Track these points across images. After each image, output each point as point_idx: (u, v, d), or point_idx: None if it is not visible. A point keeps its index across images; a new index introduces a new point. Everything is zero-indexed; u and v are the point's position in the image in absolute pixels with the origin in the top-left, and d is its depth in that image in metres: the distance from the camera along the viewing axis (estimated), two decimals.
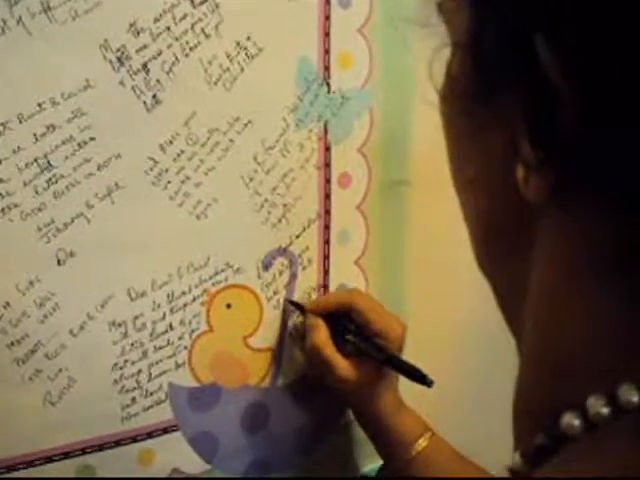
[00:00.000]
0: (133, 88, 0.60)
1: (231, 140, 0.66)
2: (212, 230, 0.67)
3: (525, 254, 0.31)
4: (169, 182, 0.64)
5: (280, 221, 0.71)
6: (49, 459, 0.62)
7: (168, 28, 0.61)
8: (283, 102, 0.69)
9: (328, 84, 0.72)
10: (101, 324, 0.63)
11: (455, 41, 0.31)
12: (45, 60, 0.56)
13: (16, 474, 0.61)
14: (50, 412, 0.61)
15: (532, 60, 0.26)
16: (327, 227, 0.75)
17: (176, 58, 0.62)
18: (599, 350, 0.29)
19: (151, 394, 0.67)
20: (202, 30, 0.63)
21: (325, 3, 0.70)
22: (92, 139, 0.59)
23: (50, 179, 0.58)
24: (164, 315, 0.66)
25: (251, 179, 0.69)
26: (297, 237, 0.73)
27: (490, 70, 0.29)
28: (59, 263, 0.60)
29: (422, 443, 0.71)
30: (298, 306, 0.74)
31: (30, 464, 0.61)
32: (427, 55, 0.32)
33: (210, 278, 0.68)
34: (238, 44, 0.65)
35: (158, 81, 0.61)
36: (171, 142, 0.63)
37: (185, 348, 0.68)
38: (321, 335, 0.71)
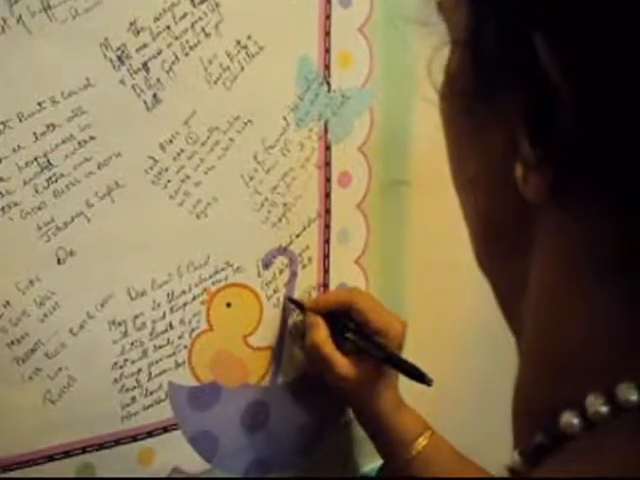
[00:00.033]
0: (133, 87, 0.60)
1: (231, 139, 0.66)
2: (212, 229, 0.67)
3: (525, 253, 0.31)
4: (169, 181, 0.64)
5: (280, 220, 0.71)
6: (49, 458, 0.62)
7: (168, 27, 0.61)
8: (283, 101, 0.69)
9: (328, 83, 0.72)
10: (101, 323, 0.63)
11: (454, 40, 0.31)
12: (45, 59, 0.56)
13: (16, 473, 0.61)
14: (50, 411, 0.61)
15: (531, 59, 0.26)
16: (327, 226, 0.75)
17: (176, 57, 0.62)
18: (598, 349, 0.29)
19: (151, 393, 0.67)
20: (202, 29, 0.63)
21: (326, 2, 0.70)
22: (92, 138, 0.59)
23: (50, 178, 0.58)
24: (164, 314, 0.66)
25: (251, 178, 0.69)
26: (297, 236, 0.73)
27: (489, 69, 0.29)
28: (59, 262, 0.60)
29: (422, 442, 0.71)
30: (298, 304, 0.74)
31: (30, 463, 0.61)
32: (427, 54, 0.32)
33: (210, 277, 0.68)
34: (238, 43, 0.65)
35: (158, 80, 0.61)
36: (171, 141, 0.63)
37: (185, 347, 0.68)
38: (321, 333, 0.71)
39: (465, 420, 0.86)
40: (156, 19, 0.60)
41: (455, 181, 0.35)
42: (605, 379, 0.28)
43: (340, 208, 0.76)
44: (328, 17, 0.70)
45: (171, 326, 0.67)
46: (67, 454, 0.63)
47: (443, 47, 0.32)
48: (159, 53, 0.61)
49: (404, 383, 0.72)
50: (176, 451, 0.69)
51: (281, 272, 0.73)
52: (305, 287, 0.75)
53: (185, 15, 0.61)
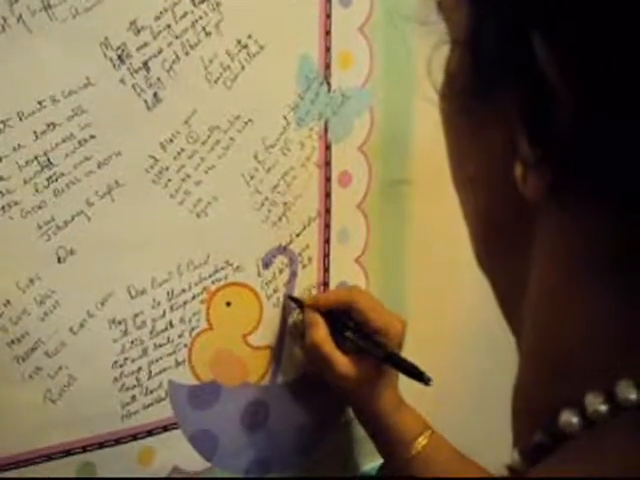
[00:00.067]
0: (133, 86, 0.60)
1: (232, 138, 0.66)
2: (212, 228, 0.67)
3: (524, 252, 0.31)
4: (169, 180, 0.64)
5: (280, 219, 0.71)
6: (49, 457, 0.62)
7: (169, 26, 0.61)
8: (284, 100, 0.69)
9: (329, 83, 0.72)
10: (101, 322, 0.63)
11: (454, 39, 0.31)
12: (45, 58, 0.56)
13: (16, 472, 0.61)
14: (50, 410, 0.61)
15: (530, 58, 0.26)
16: (327, 226, 0.75)
17: (177, 56, 0.62)
18: (597, 348, 0.29)
19: (151, 392, 0.67)
20: (203, 28, 0.63)
21: (326, 1, 0.70)
22: (92, 137, 0.59)
23: (50, 177, 0.58)
24: (164, 313, 0.66)
25: (251, 177, 0.69)
26: (297, 235, 0.73)
27: (488, 68, 0.29)
28: (59, 261, 0.60)
29: (422, 441, 0.71)
30: (298, 302, 0.74)
31: (30, 462, 0.61)
32: (427, 53, 0.32)
33: (210, 276, 0.68)
34: (239, 42, 0.65)
35: (159, 79, 0.61)
36: (171, 140, 0.63)
37: (185, 346, 0.68)
38: (320, 332, 0.71)
39: (465, 419, 0.86)
40: (157, 18, 0.60)
41: (455, 180, 0.35)
42: (604, 378, 0.28)
43: (340, 207, 0.76)
44: (328, 16, 0.70)
45: (171, 325, 0.67)
46: (67, 453, 0.63)
47: (442, 46, 0.32)
48: (159, 52, 0.61)
49: (404, 382, 0.72)
50: (176, 450, 0.69)
51: (281, 271, 0.73)
52: (305, 286, 0.75)
53: (186, 14, 0.62)
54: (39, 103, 0.56)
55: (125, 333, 0.64)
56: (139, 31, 0.60)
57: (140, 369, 0.66)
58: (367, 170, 0.77)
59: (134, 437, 0.67)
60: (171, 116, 0.63)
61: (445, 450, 0.72)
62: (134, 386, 0.66)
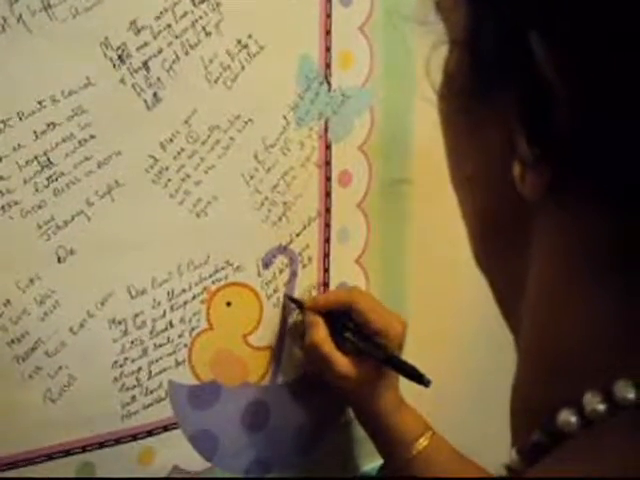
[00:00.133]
0: (133, 86, 0.60)
1: (232, 138, 0.66)
2: (212, 228, 0.67)
3: (523, 252, 0.31)
4: (169, 180, 0.64)
5: (280, 219, 0.71)
6: (49, 457, 0.62)
7: (169, 26, 0.61)
8: (284, 100, 0.69)
9: (329, 82, 0.72)
10: (101, 322, 0.63)
11: (452, 39, 0.31)
12: (45, 58, 0.56)
13: (16, 472, 0.61)
14: (50, 410, 0.61)
15: (528, 57, 0.26)
16: (327, 225, 0.75)
17: (177, 56, 0.62)
18: (596, 347, 0.29)
19: (151, 392, 0.67)
20: (203, 28, 0.63)
21: (326, 1, 0.70)
22: (92, 137, 0.59)
23: (50, 177, 0.58)
24: (164, 313, 0.66)
25: (251, 177, 0.69)
26: (297, 235, 0.73)
27: (487, 68, 0.29)
28: (59, 261, 0.60)
29: (423, 442, 0.71)
30: (297, 303, 0.74)
31: (30, 462, 0.61)
32: (427, 53, 0.32)
33: (210, 276, 0.68)
34: (239, 42, 0.65)
35: (159, 79, 0.61)
36: (171, 140, 0.63)
37: (185, 346, 0.68)
38: (320, 333, 0.71)
39: (464, 419, 0.86)
40: (157, 18, 0.60)
41: (453, 180, 0.35)
42: (602, 377, 0.28)
43: (340, 207, 0.76)
44: (329, 16, 0.70)
45: (171, 325, 0.67)
46: (67, 453, 0.63)
47: (441, 46, 0.32)
48: (159, 52, 0.61)
49: (403, 382, 0.72)
50: (176, 450, 0.69)
51: (281, 271, 0.73)
52: (305, 286, 0.75)
53: (186, 14, 0.62)
54: (39, 103, 0.56)
55: (125, 333, 0.64)
56: (139, 31, 0.60)
57: (140, 369, 0.66)
58: (367, 170, 0.77)
59: (134, 437, 0.67)
60: (171, 116, 0.63)
61: (445, 451, 0.72)
62: (134, 386, 0.66)
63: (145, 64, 0.60)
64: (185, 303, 0.67)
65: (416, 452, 0.71)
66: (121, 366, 0.64)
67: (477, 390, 0.89)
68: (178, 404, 0.69)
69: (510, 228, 0.32)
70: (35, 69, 0.56)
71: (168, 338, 0.67)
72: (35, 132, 0.57)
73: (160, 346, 0.66)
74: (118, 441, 0.66)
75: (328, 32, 0.71)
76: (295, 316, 0.75)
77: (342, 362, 0.70)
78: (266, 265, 0.72)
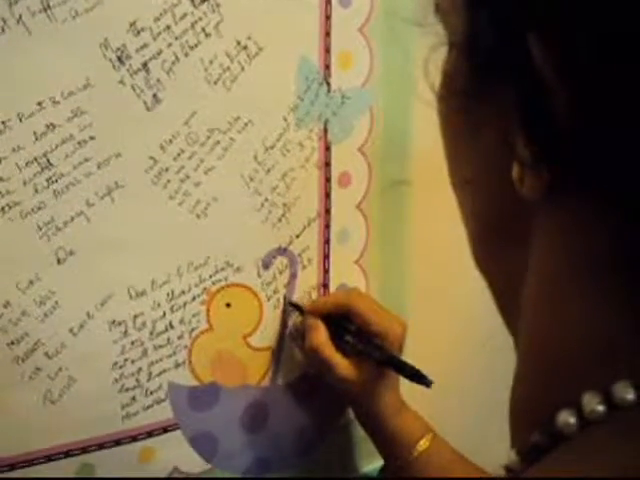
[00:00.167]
0: (133, 87, 0.60)
1: (231, 139, 0.66)
2: (212, 229, 0.67)
3: (522, 252, 0.31)
4: (169, 181, 0.64)
5: (280, 220, 0.71)
6: (49, 458, 0.62)
7: (168, 27, 0.61)
8: (283, 101, 0.69)
9: (328, 83, 0.72)
10: (101, 323, 0.63)
11: (451, 40, 0.31)
12: (45, 59, 0.56)
13: (16, 473, 0.61)
14: (50, 411, 0.62)
15: (526, 58, 0.26)
16: (327, 226, 0.75)
17: (176, 57, 0.62)
18: (595, 348, 0.29)
19: (151, 393, 0.67)
20: (202, 29, 0.63)
21: (326, 2, 0.70)
22: (92, 138, 0.59)
23: (50, 178, 0.58)
24: (164, 314, 0.66)
25: (251, 178, 0.69)
26: (297, 236, 0.73)
27: (485, 68, 0.29)
28: (59, 262, 0.60)
29: (423, 444, 0.71)
30: (297, 307, 0.74)
31: (30, 463, 0.61)
32: (426, 54, 0.33)
33: (210, 277, 0.68)
34: (238, 43, 0.65)
35: (158, 80, 0.61)
36: (171, 141, 0.63)
37: (185, 347, 0.68)
38: (320, 336, 0.71)
39: (464, 420, 0.86)
40: (156, 19, 0.60)
41: (452, 181, 0.35)
42: (602, 378, 0.28)
43: (340, 208, 0.76)
44: (328, 17, 0.70)
45: (171, 326, 0.67)
46: (67, 454, 0.63)
47: (440, 47, 0.32)
48: (159, 53, 0.61)
49: (404, 384, 0.72)
50: (176, 451, 0.69)
51: (281, 272, 0.73)
52: (305, 287, 0.75)
53: (185, 15, 0.62)
54: (39, 104, 0.56)
55: (125, 334, 0.64)
56: (139, 32, 0.60)
57: (140, 370, 0.66)
58: (367, 171, 0.77)
59: (134, 438, 0.67)
60: (171, 117, 0.63)
61: (446, 453, 0.72)
62: (134, 387, 0.66)
63: (145, 65, 0.60)
64: (185, 304, 0.67)
65: (417, 454, 0.71)
66: (121, 367, 0.64)
67: (477, 391, 0.89)
68: (178, 405, 0.69)
69: (509, 229, 0.32)
70: (35, 70, 0.56)
71: (168, 339, 0.67)
72: (35, 133, 0.57)
73: (160, 347, 0.66)
74: (118, 442, 0.66)
75: (328, 33, 0.71)
76: (295, 318, 0.75)
77: (343, 365, 0.70)
78: (266, 266, 0.72)
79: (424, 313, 0.83)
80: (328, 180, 0.74)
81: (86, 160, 0.59)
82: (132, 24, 0.59)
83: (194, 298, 0.68)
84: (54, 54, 0.56)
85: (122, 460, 0.66)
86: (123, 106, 0.60)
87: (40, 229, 0.58)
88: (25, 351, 0.60)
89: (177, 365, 0.68)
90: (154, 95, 0.61)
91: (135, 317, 0.64)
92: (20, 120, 0.56)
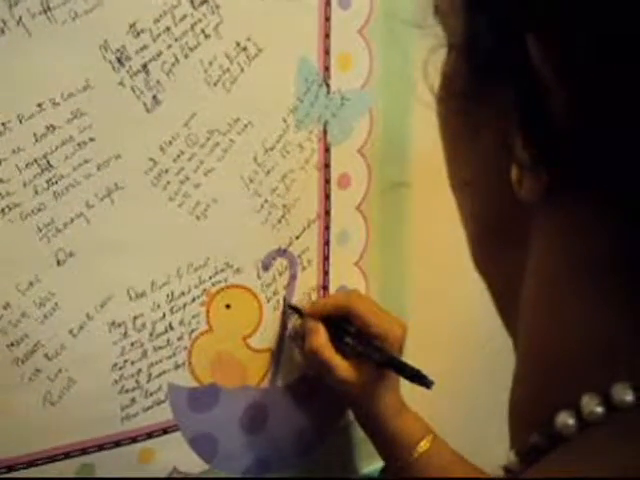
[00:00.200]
0: (133, 89, 0.60)
1: (231, 141, 0.67)
2: (212, 230, 0.67)
3: (521, 254, 0.31)
4: (169, 183, 0.64)
5: (280, 222, 0.71)
6: (49, 459, 0.62)
7: (168, 29, 0.61)
8: (283, 103, 0.69)
9: (328, 85, 0.72)
10: (101, 324, 0.63)
11: (451, 42, 0.31)
12: (45, 60, 0.56)
13: (16, 474, 0.61)
14: (50, 412, 0.62)
15: (525, 60, 0.27)
16: (327, 228, 0.75)
17: (176, 59, 0.62)
18: (594, 349, 0.29)
19: (151, 394, 0.67)
20: (202, 31, 0.63)
21: (325, 4, 0.70)
22: (92, 139, 0.59)
23: (50, 179, 0.58)
24: (164, 315, 0.66)
25: (251, 180, 0.69)
26: (297, 238, 0.73)
27: (484, 70, 0.29)
28: (59, 263, 0.60)
29: (424, 445, 0.71)
30: (297, 310, 0.74)
31: (30, 464, 0.61)
32: (425, 56, 0.33)
33: (210, 278, 0.68)
34: (238, 45, 0.65)
35: (158, 82, 0.61)
36: (171, 143, 0.63)
37: (185, 348, 0.68)
38: (320, 338, 0.71)
39: (463, 420, 0.86)
40: (156, 21, 0.60)
41: (452, 183, 0.35)
42: (600, 380, 0.28)
43: (340, 210, 0.76)
44: (328, 19, 0.70)
45: (171, 327, 0.67)
46: (67, 455, 0.63)
47: (439, 49, 0.32)
48: (159, 55, 0.61)
49: (404, 385, 0.72)
50: (176, 452, 0.69)
51: (281, 274, 0.73)
52: (305, 289, 0.75)
53: (185, 17, 0.62)
54: (39, 106, 0.56)
55: (125, 336, 0.64)
56: (138, 34, 0.60)
57: (140, 371, 0.66)
58: (366, 172, 0.77)
59: (134, 439, 0.67)
60: (170, 119, 0.63)
61: (447, 454, 0.72)
62: (134, 388, 0.66)
63: (144, 67, 0.60)
64: (185, 305, 0.67)
65: (417, 455, 0.71)
66: (121, 369, 0.65)
67: (476, 392, 0.89)
68: (178, 407, 0.69)
69: (508, 231, 0.32)
70: (35, 72, 0.56)
71: (168, 340, 0.67)
72: (35, 135, 0.57)
73: (160, 348, 0.66)
74: (118, 443, 0.66)
75: (327, 35, 0.71)
76: (295, 320, 0.75)
77: (343, 366, 0.70)
78: (266, 267, 0.72)
79: (424, 315, 0.83)
80: (328, 181, 0.74)
81: (86, 161, 0.59)
82: (132, 25, 0.59)
83: (194, 299, 0.68)
84: (54, 55, 0.56)
85: (122, 461, 0.66)
86: (123, 107, 0.60)
87: (40, 230, 0.59)
88: (25, 352, 0.60)
89: (177, 366, 0.68)
90: (154, 96, 0.61)
91: (135, 318, 0.64)
92: (20, 121, 0.56)
